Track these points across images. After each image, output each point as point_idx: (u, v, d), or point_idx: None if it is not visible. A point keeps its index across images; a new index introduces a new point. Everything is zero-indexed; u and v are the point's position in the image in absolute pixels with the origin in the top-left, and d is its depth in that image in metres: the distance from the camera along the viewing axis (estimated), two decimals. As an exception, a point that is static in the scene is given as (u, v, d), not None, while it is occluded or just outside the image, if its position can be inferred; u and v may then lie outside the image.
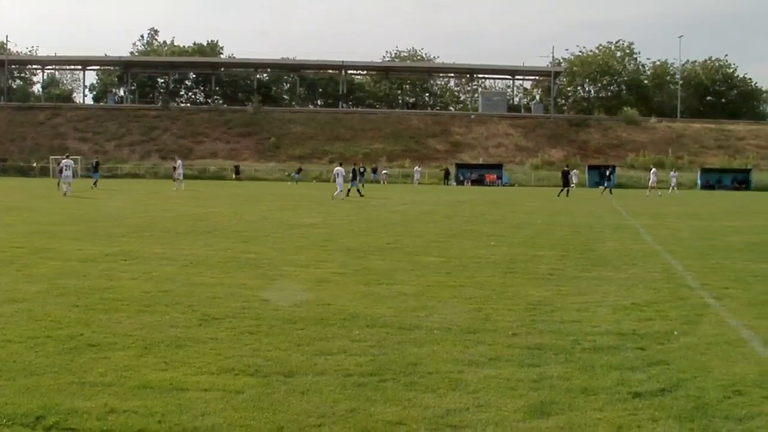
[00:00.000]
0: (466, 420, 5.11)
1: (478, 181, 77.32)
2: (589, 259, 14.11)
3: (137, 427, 4.87)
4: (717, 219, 26.88)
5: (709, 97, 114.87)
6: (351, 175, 42.40)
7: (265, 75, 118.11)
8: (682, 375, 6.22)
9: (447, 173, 77.00)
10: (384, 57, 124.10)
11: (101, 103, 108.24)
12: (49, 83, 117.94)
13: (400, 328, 7.79)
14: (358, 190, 40.46)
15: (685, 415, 5.25)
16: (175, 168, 51.77)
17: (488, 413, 5.24)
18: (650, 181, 55.73)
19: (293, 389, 5.69)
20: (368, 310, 8.66)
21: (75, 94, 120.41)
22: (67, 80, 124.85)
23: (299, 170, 73.04)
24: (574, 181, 55.82)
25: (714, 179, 77.43)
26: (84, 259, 12.73)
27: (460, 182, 77.19)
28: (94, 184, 48.89)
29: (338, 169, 39.30)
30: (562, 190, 48.98)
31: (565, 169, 54.46)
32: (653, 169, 59.13)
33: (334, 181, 40.51)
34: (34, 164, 77.82)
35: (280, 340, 7.19)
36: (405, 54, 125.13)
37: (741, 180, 77.65)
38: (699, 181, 76.16)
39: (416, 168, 74.41)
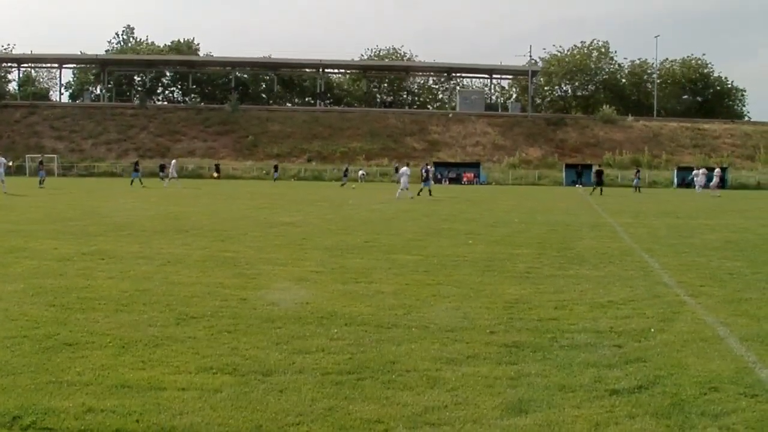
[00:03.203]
0: (445, 418, 5.13)
1: (456, 180, 77.45)
2: (566, 257, 14.17)
3: (115, 426, 4.85)
4: (693, 217, 27.05)
5: (685, 96, 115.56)
6: (425, 175, 43.76)
7: (243, 74, 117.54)
8: (659, 372, 6.27)
9: (425, 172, 77.00)
10: (363, 56, 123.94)
11: (78, 102, 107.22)
12: (25, 81, 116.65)
13: (378, 326, 7.80)
14: (429, 191, 41.10)
15: (661, 412, 5.29)
16: (164, 167, 57.15)
17: (466, 411, 5.26)
18: (698, 181, 55.82)
19: (271, 388, 5.69)
20: (346, 309, 8.66)
21: (51, 93, 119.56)
22: (43, 78, 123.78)
23: (275, 167, 72.90)
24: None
25: (690, 177, 77.83)
26: (60, 258, 12.64)
27: (437, 181, 77.18)
28: (139, 181, 51.00)
29: (404, 168, 39.99)
30: (594, 189, 50.28)
31: (599, 168, 55.85)
32: (702, 169, 58.60)
33: (399, 181, 41.88)
34: (11, 163, 77.12)
35: (258, 338, 7.18)
36: (384, 53, 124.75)
37: (717, 178, 78.16)
38: (675, 180, 76.68)
39: (427, 167, 74.65)
